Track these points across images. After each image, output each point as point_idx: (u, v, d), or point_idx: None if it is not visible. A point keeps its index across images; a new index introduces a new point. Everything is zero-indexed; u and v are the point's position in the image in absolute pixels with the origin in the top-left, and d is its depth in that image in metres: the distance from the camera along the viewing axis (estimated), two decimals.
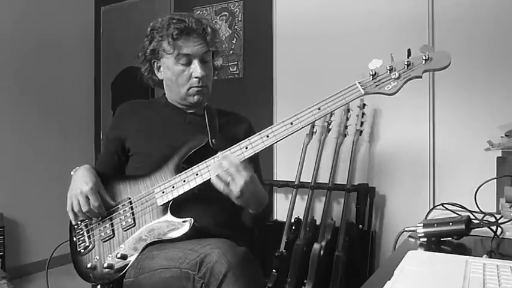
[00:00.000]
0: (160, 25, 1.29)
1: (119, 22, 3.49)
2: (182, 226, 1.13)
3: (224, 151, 1.11)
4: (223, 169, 1.05)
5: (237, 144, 1.11)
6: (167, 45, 1.27)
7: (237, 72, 2.85)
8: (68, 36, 3.41)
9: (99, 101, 3.63)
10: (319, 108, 1.06)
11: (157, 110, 1.38)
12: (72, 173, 1.28)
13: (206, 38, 1.27)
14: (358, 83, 1.05)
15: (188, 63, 1.28)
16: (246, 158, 1.09)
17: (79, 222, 1.26)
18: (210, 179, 1.09)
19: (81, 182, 1.21)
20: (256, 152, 1.09)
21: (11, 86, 3.02)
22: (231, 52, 2.87)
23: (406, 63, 1.03)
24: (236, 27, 2.86)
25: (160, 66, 1.34)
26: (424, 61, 1.02)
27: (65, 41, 3.39)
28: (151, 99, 1.45)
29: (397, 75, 1.03)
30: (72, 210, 1.22)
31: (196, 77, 1.28)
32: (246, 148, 1.10)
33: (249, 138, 1.10)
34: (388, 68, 1.04)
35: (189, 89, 1.30)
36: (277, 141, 1.09)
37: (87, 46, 3.60)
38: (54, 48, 3.29)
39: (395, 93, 1.04)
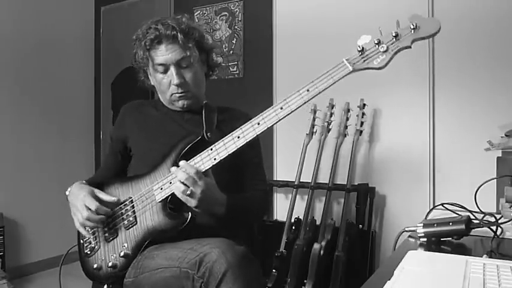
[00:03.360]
0: (139, 35, 1.30)
1: (119, 22, 3.49)
2: (181, 221, 1.13)
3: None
4: (182, 180, 1.08)
5: (230, 134, 1.12)
6: (143, 57, 1.29)
7: (237, 72, 2.85)
8: (68, 36, 3.41)
9: (99, 101, 3.63)
10: (308, 90, 1.05)
11: (158, 109, 1.40)
12: (67, 193, 1.29)
13: (179, 43, 1.25)
14: (346, 60, 1.03)
15: (165, 71, 1.28)
16: (207, 168, 1.12)
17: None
18: (204, 171, 1.12)
19: (76, 195, 1.23)
20: (247, 140, 1.09)
21: (11, 86, 3.02)
22: (231, 52, 2.87)
23: (393, 34, 0.99)
24: (236, 27, 2.86)
25: (149, 73, 1.36)
26: (412, 30, 0.98)
27: (65, 41, 3.39)
28: (153, 99, 1.45)
29: (385, 47, 0.99)
30: (80, 224, 1.23)
31: (174, 85, 1.28)
32: (238, 137, 1.10)
33: (241, 127, 1.11)
34: (376, 42, 1.00)
35: (171, 95, 1.32)
36: (269, 127, 1.08)
37: (87, 46, 3.60)
38: (54, 48, 3.29)
39: (384, 66, 1.00)
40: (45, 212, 3.08)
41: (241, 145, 1.10)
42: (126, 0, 3.48)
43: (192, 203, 1.10)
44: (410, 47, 1.00)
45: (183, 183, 1.08)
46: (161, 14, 1.38)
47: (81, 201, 1.19)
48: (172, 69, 1.27)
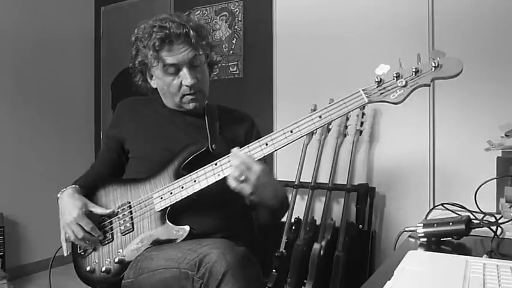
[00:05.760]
0: (143, 34, 1.22)
1: (119, 22, 3.49)
2: (179, 233, 1.13)
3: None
4: (235, 164, 1.05)
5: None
6: (151, 58, 1.20)
7: (237, 72, 2.85)
8: (68, 36, 3.41)
9: (99, 101, 3.63)
10: (320, 117, 1.03)
11: (157, 110, 1.35)
12: (58, 195, 1.25)
13: (191, 42, 1.19)
14: (362, 90, 1.00)
15: (176, 72, 1.21)
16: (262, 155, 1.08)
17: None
18: (207, 186, 1.11)
19: (69, 210, 1.19)
20: (255, 159, 1.07)
21: (11, 86, 3.02)
22: (231, 52, 2.87)
23: (414, 70, 0.97)
24: (236, 27, 2.86)
25: (152, 75, 1.29)
26: (433, 68, 0.96)
27: (65, 41, 3.39)
28: (152, 96, 1.41)
29: (403, 82, 0.97)
30: (67, 240, 1.21)
31: (187, 86, 1.22)
32: None
33: (248, 145, 1.09)
34: (395, 75, 0.98)
35: (182, 98, 1.26)
36: (277, 150, 1.07)
37: (87, 46, 3.60)
38: (54, 48, 3.29)
39: (401, 102, 0.98)
40: (45, 212, 3.06)
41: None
42: (126, 0, 3.48)
43: (246, 189, 1.05)
44: (429, 85, 0.98)
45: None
46: (161, 14, 1.33)
47: (74, 221, 1.17)
48: (184, 70, 1.20)
